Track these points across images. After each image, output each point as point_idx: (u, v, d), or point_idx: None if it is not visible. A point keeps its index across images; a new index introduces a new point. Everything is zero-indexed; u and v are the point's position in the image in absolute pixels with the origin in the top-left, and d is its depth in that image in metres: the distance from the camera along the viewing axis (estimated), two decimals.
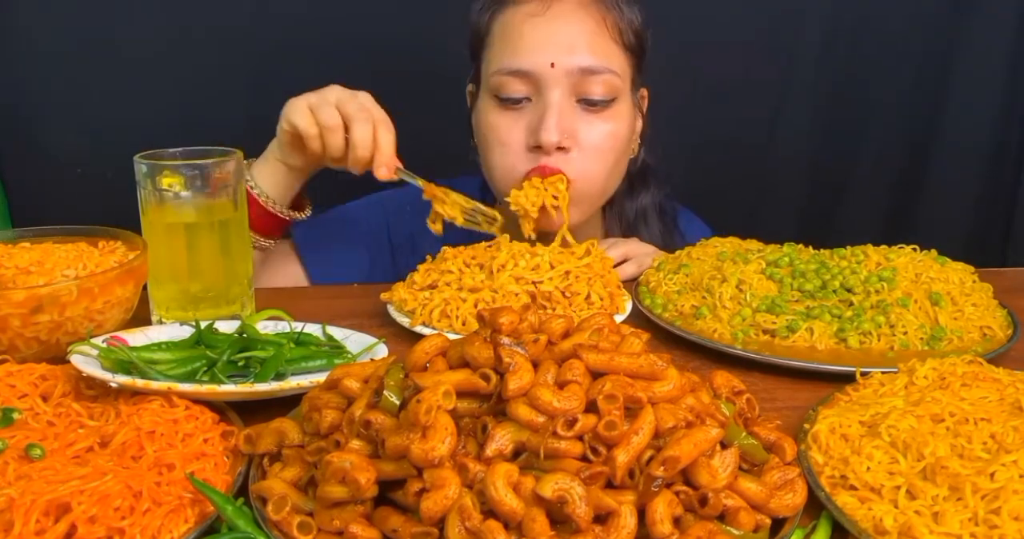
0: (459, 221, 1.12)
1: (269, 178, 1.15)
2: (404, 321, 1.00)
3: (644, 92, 1.27)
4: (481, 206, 1.13)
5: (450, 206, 1.12)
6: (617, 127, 1.17)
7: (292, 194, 1.18)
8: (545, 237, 1.15)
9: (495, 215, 1.13)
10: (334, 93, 1.07)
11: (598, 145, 1.16)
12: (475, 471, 0.60)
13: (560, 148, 1.13)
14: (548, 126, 1.11)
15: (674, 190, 1.47)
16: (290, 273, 1.27)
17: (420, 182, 1.10)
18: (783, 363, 0.93)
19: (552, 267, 1.02)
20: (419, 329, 0.98)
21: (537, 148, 1.14)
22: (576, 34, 1.12)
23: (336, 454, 0.63)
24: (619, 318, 1.03)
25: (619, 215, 1.33)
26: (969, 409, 0.73)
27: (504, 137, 1.16)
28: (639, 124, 1.26)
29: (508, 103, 1.15)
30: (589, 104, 1.14)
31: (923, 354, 0.92)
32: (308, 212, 1.23)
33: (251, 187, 1.14)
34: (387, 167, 1.06)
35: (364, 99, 1.07)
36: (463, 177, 1.29)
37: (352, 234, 1.32)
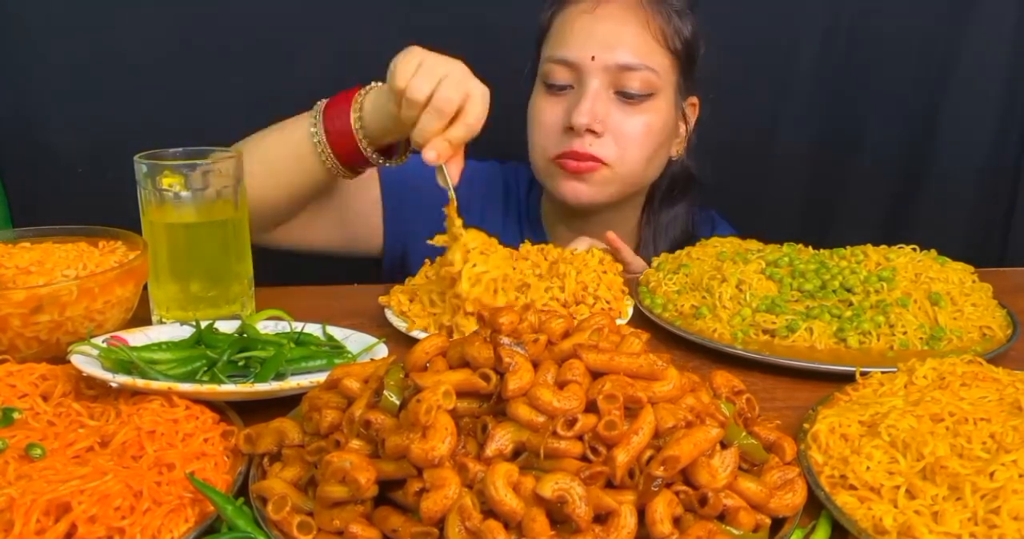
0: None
1: (378, 115, 1.07)
2: (402, 326, 1.00)
3: (694, 100, 1.33)
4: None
5: (450, 236, 1.05)
6: (651, 119, 1.24)
7: (387, 141, 1.12)
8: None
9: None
10: (447, 64, 0.99)
11: (630, 133, 1.23)
12: (475, 471, 0.60)
13: (591, 131, 1.21)
14: (581, 109, 1.19)
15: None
16: (369, 200, 1.30)
17: (451, 193, 1.02)
18: (783, 363, 0.93)
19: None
20: (415, 334, 0.98)
21: (570, 130, 1.21)
22: (619, 32, 1.21)
23: (336, 454, 0.63)
24: (620, 322, 1.03)
25: (654, 219, 1.38)
26: (969, 409, 0.73)
27: (545, 118, 1.25)
28: (683, 128, 1.33)
29: (553, 89, 1.24)
30: (626, 96, 1.22)
31: (923, 354, 0.92)
32: (401, 160, 1.16)
33: (356, 118, 1.07)
34: (437, 151, 0.97)
35: (476, 88, 0.98)
36: (502, 163, 1.37)
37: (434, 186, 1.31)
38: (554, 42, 1.25)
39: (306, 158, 1.11)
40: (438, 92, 0.96)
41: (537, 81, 1.28)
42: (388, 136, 1.10)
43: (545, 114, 1.25)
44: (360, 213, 1.33)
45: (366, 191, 1.33)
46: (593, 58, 1.20)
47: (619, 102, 1.22)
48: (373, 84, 1.10)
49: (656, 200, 1.37)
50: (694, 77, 1.30)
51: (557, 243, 1.16)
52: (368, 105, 1.08)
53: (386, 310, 1.04)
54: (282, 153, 1.12)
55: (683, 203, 1.38)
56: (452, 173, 1.01)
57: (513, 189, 1.42)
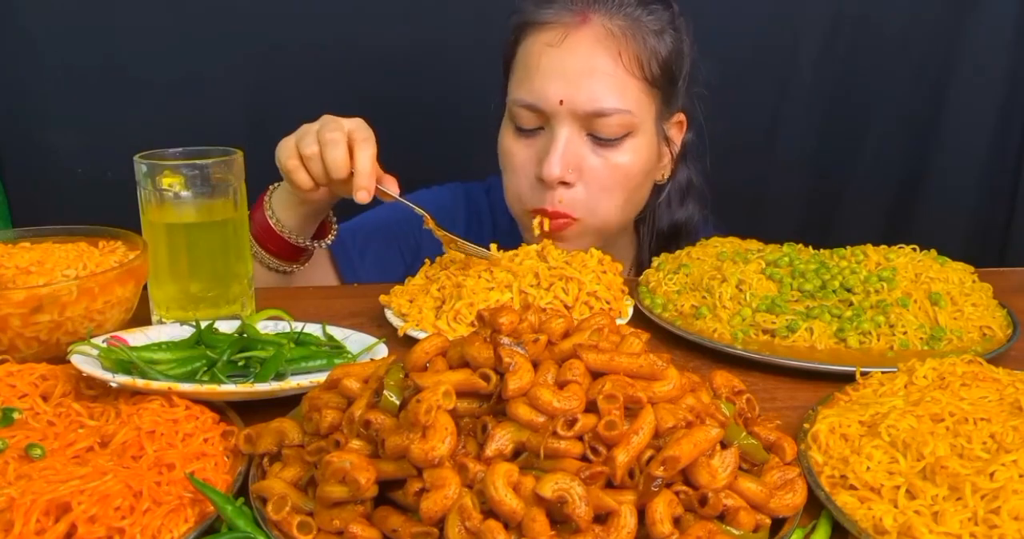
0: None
1: (288, 210, 1.13)
2: (401, 325, 1.00)
3: (681, 116, 1.24)
4: (477, 251, 1.05)
5: (449, 246, 1.06)
6: (629, 161, 1.15)
7: (313, 225, 1.17)
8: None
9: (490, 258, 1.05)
10: (319, 122, 1.04)
11: (604, 180, 1.15)
12: (475, 471, 0.60)
13: (564, 183, 1.13)
14: (551, 161, 1.11)
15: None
16: (325, 275, 1.29)
17: (418, 210, 1.03)
18: (783, 363, 0.93)
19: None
20: (412, 333, 0.98)
21: (543, 180, 1.14)
22: (588, 71, 1.10)
23: (336, 454, 0.63)
24: (620, 322, 1.03)
25: (652, 228, 1.31)
26: (969, 409, 0.73)
27: (516, 164, 1.18)
28: (667, 150, 1.24)
29: (523, 131, 1.17)
30: (598, 140, 1.14)
31: (923, 354, 0.92)
32: (332, 237, 1.20)
33: (270, 217, 1.13)
34: (365, 190, 0.99)
35: (347, 123, 1.02)
36: (459, 184, 1.33)
37: (385, 237, 1.32)
38: (519, 79, 1.15)
39: (258, 270, 1.14)
40: (322, 134, 1.01)
41: (505, 117, 1.20)
42: (307, 222, 1.15)
43: (516, 159, 1.17)
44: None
45: (319, 269, 1.29)
46: (561, 102, 1.10)
47: (592, 144, 1.14)
48: (274, 185, 1.14)
49: (649, 214, 1.30)
50: (676, 93, 1.20)
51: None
52: (276, 202, 1.13)
53: (386, 310, 1.04)
54: None
55: (681, 210, 1.32)
56: (393, 189, 1.03)
57: (485, 207, 1.36)
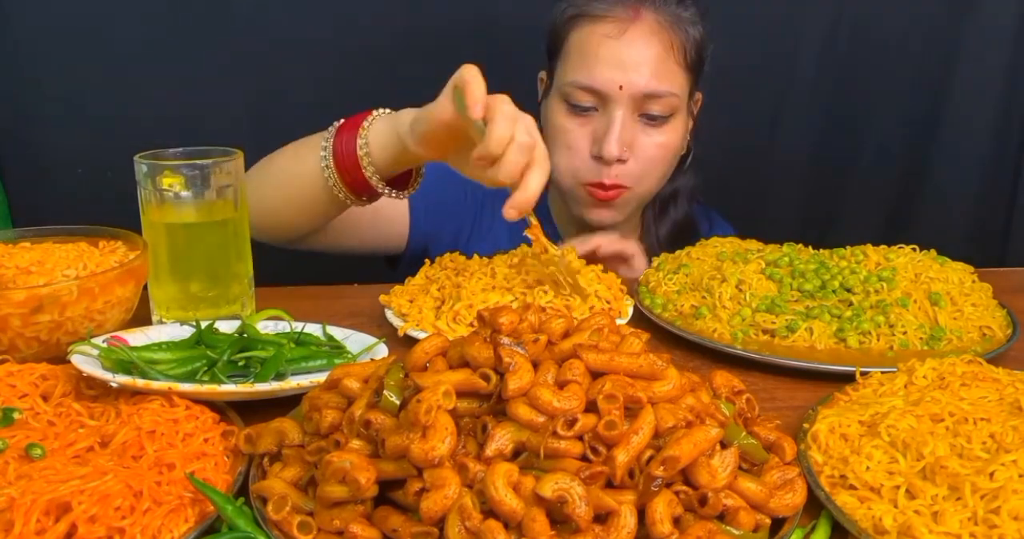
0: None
1: (385, 149, 1.04)
2: (401, 325, 1.00)
3: (699, 96, 1.36)
4: (572, 283, 1.02)
5: (540, 259, 1.01)
6: (671, 139, 1.29)
7: (399, 171, 1.09)
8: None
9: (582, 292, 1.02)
10: (522, 116, 0.94)
11: (653, 156, 1.28)
12: (475, 471, 0.60)
13: (619, 160, 1.25)
14: (611, 140, 1.23)
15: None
16: (399, 204, 1.30)
17: (531, 219, 0.99)
18: (783, 363, 0.93)
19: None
20: (412, 333, 0.98)
21: (599, 158, 1.25)
22: (645, 60, 1.23)
23: (336, 454, 0.63)
24: (620, 322, 1.03)
25: (655, 199, 1.40)
26: (968, 409, 0.73)
27: (572, 142, 1.27)
28: (690, 124, 1.36)
29: (577, 110, 1.26)
30: (649, 118, 1.26)
31: (923, 354, 0.92)
32: (412, 190, 1.13)
33: (361, 147, 1.04)
34: (518, 210, 0.93)
35: (532, 127, 0.95)
36: None
37: (461, 188, 1.36)
38: (576, 64, 1.25)
39: (318, 184, 1.08)
40: (517, 135, 0.92)
41: (555, 96, 1.29)
42: (395, 167, 1.07)
43: (572, 137, 1.27)
44: (390, 218, 1.33)
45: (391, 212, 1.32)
46: (621, 87, 1.22)
47: (642, 124, 1.26)
48: (378, 112, 1.06)
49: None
50: (703, 76, 1.33)
51: (567, 239, 1.28)
52: (373, 136, 1.04)
53: (386, 310, 1.04)
54: (295, 176, 1.10)
55: (680, 176, 1.41)
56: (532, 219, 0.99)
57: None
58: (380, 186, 1.07)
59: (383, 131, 1.04)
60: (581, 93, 1.25)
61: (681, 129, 1.31)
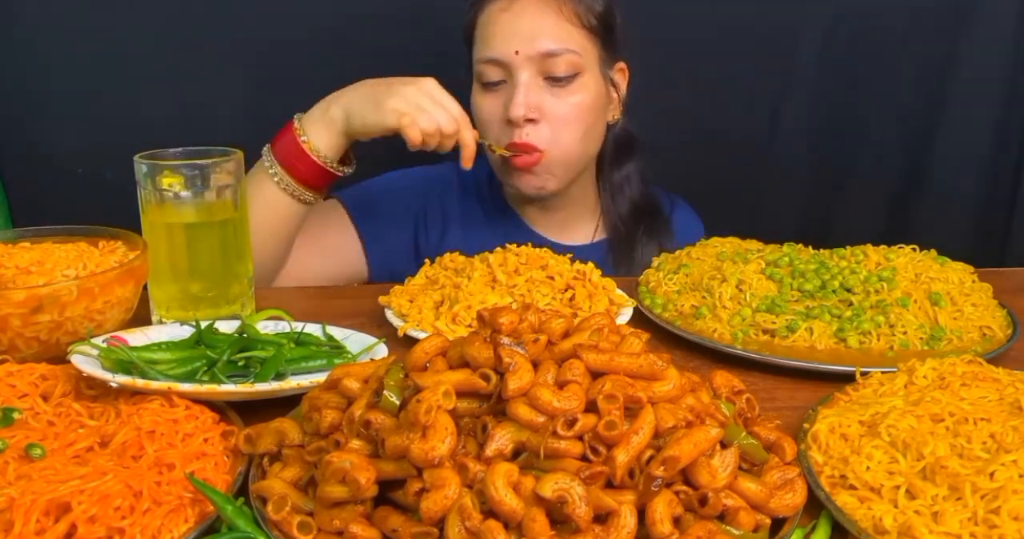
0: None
1: (325, 139, 1.20)
2: (401, 325, 1.00)
3: (622, 64, 1.40)
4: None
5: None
6: (581, 98, 1.32)
7: (343, 152, 1.24)
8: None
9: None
10: (405, 83, 1.18)
11: (564, 115, 1.31)
12: (475, 471, 0.60)
13: (529, 120, 1.29)
14: (516, 102, 1.28)
15: (675, 188, 1.54)
16: (344, 230, 1.39)
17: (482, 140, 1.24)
18: (783, 363, 0.93)
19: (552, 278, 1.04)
20: (412, 333, 0.98)
21: (510, 122, 1.30)
22: (536, 24, 1.29)
23: (336, 454, 0.63)
24: (621, 319, 1.02)
25: (607, 183, 1.46)
26: (969, 409, 0.73)
27: (486, 115, 1.34)
28: (615, 94, 1.39)
29: (488, 86, 1.33)
30: (554, 80, 1.30)
31: (923, 354, 0.92)
32: (353, 166, 1.28)
33: (303, 141, 1.19)
34: (470, 161, 1.22)
35: (449, 104, 1.18)
36: (448, 163, 1.42)
37: (397, 203, 1.45)
38: (480, 43, 1.33)
39: (274, 195, 1.21)
40: (440, 122, 1.17)
41: (474, 81, 1.37)
42: (340, 150, 1.22)
43: (484, 110, 1.34)
44: (338, 246, 1.39)
45: (337, 224, 1.40)
46: (517, 52, 1.27)
47: (549, 87, 1.30)
48: (297, 115, 1.21)
49: (605, 164, 1.44)
50: (616, 44, 1.36)
51: (532, 223, 1.43)
52: (308, 126, 1.20)
53: (386, 310, 1.04)
54: (258, 203, 1.18)
55: (631, 163, 1.45)
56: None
57: (471, 182, 1.49)
58: (331, 164, 1.21)
59: (317, 122, 1.20)
60: (487, 68, 1.31)
61: (592, 89, 1.33)
